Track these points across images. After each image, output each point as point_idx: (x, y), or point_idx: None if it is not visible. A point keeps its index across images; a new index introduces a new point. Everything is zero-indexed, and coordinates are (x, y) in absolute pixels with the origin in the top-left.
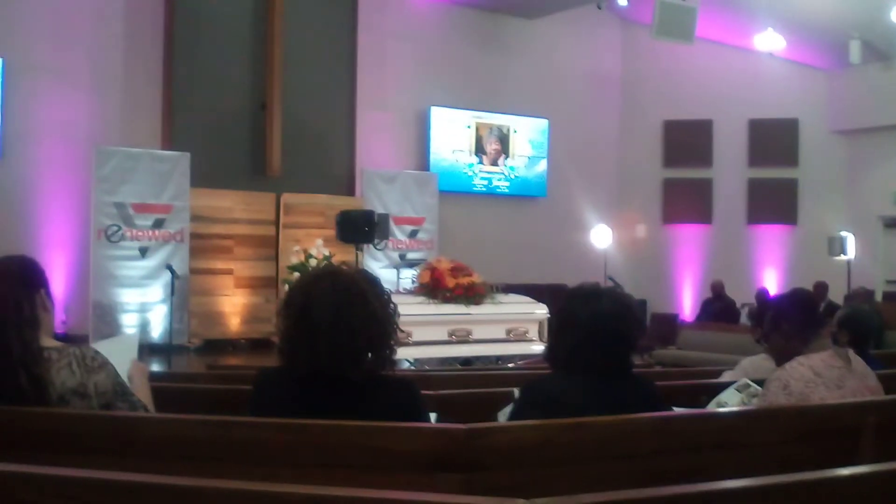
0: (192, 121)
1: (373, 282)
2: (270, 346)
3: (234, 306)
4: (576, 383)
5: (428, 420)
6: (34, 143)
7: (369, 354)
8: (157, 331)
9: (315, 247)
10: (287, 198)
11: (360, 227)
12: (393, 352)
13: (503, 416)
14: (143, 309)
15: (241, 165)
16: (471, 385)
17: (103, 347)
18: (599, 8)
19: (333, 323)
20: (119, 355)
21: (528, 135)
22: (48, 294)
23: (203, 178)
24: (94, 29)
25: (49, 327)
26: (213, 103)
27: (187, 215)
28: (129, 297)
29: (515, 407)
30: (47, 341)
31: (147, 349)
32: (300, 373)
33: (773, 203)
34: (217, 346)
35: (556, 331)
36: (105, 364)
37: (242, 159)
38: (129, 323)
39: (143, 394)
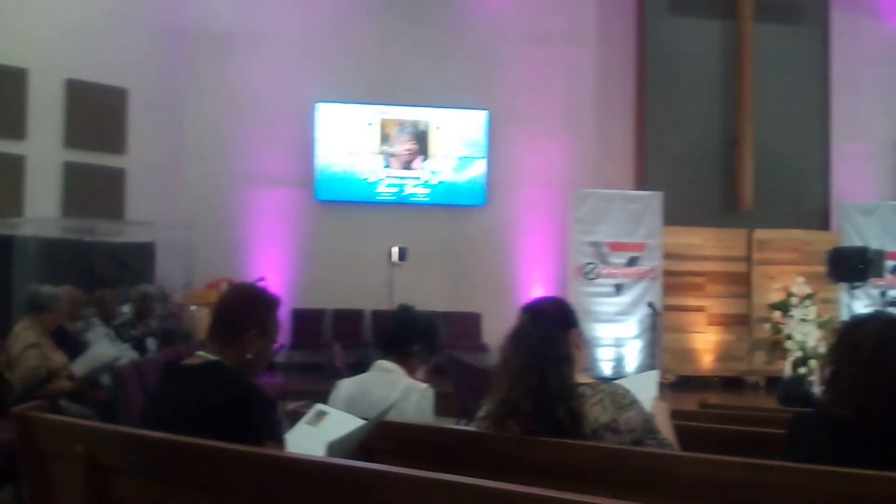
0: (662, 160)
1: None
2: (743, 385)
3: (706, 343)
4: None
5: None
6: (516, 187)
7: None
8: (631, 365)
9: (796, 284)
10: (759, 233)
11: (853, 265)
12: None
13: None
14: (617, 344)
15: (711, 202)
16: None
17: (627, 384)
18: None
19: (873, 366)
20: (641, 392)
21: None
22: (580, 333)
23: (674, 215)
24: (568, 79)
25: (581, 364)
26: (682, 141)
27: (659, 253)
28: (604, 332)
29: None
30: (580, 377)
31: None
32: (835, 417)
33: None
34: (690, 382)
35: None
36: (634, 402)
37: (713, 196)
38: (604, 357)
39: (666, 431)
